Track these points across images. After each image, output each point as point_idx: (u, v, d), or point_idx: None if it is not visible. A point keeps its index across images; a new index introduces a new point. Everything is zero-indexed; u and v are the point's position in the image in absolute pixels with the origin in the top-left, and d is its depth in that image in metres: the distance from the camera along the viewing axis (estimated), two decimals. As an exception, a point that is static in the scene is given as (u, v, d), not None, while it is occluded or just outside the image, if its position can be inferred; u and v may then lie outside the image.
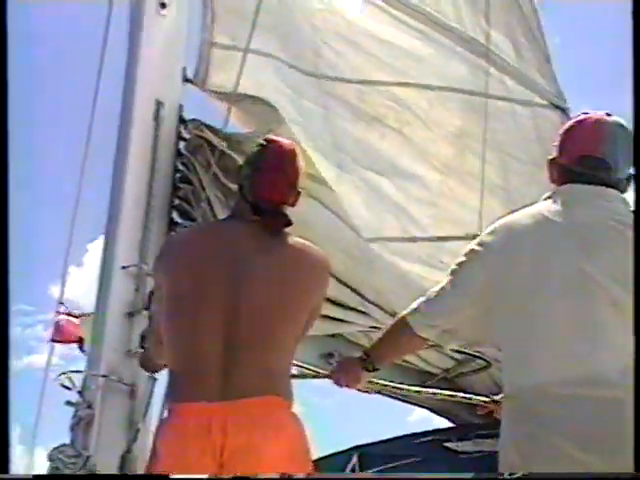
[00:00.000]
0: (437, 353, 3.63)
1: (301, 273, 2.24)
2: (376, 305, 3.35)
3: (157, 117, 2.94)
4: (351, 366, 2.54)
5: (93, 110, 3.10)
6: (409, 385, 3.31)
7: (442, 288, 2.29)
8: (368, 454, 6.95)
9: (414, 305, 2.35)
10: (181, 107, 3.10)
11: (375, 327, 3.36)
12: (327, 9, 3.85)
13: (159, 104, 2.95)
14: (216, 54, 3.24)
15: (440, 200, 3.97)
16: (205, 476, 1.98)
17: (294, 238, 2.32)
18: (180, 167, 3.02)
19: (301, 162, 2.37)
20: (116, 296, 2.71)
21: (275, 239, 2.25)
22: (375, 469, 6.83)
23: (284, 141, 2.41)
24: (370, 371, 2.49)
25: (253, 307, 2.12)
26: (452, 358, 3.76)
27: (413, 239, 3.82)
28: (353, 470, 6.88)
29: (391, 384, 3.12)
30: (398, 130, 3.94)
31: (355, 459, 6.81)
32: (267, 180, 2.30)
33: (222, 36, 3.26)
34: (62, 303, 3.76)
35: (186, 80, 3.17)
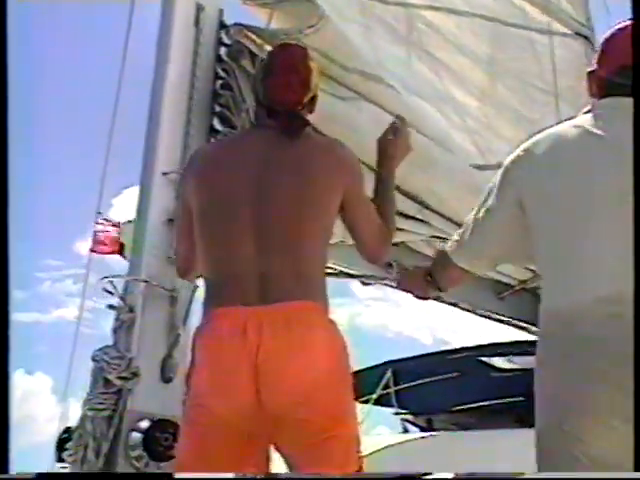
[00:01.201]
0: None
1: (320, 168, 2.23)
2: (437, 212, 3.32)
3: (197, 22, 2.88)
4: (416, 278, 2.59)
5: (130, 17, 3.04)
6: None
7: (476, 219, 2.27)
8: (402, 369, 7.07)
9: (455, 237, 2.37)
10: (221, 11, 3.03)
11: (437, 236, 3.33)
12: None
13: (199, 8, 2.89)
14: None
15: (480, 128, 3.95)
16: (210, 475, 1.98)
17: (315, 137, 2.34)
18: (221, 73, 2.97)
19: (313, 64, 2.38)
20: (156, 202, 2.71)
21: (294, 141, 2.24)
22: (409, 384, 6.94)
23: (295, 44, 2.49)
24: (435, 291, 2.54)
25: (279, 212, 2.14)
26: (529, 269, 3.70)
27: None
28: (387, 386, 6.99)
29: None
30: (433, 54, 3.89)
31: (389, 373, 6.93)
32: (278, 81, 2.32)
33: None
34: (100, 213, 3.77)
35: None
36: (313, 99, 2.36)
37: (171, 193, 2.73)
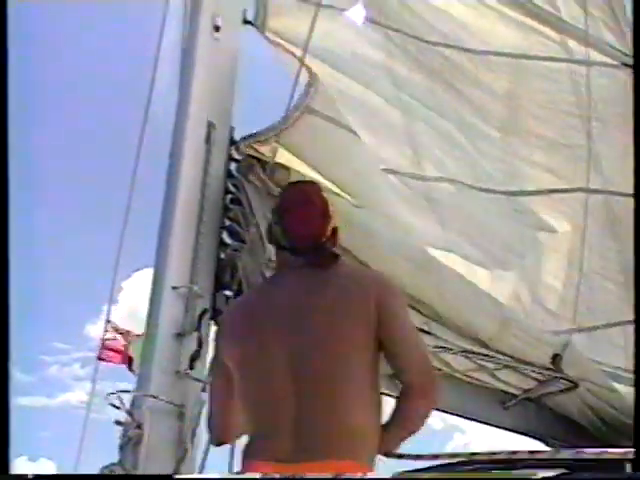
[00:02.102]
0: (516, 373, 3.56)
1: (354, 298, 2.18)
2: (442, 323, 3.32)
3: (209, 139, 2.97)
4: None
5: (142, 133, 3.14)
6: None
7: None
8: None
9: None
10: (232, 129, 3.12)
11: (443, 347, 3.32)
12: None
13: (211, 126, 2.98)
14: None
15: (506, 156, 4.10)
16: (210, 476, 1.95)
17: (346, 267, 2.33)
18: (231, 188, 3.04)
19: (325, 196, 2.41)
20: (166, 316, 2.72)
21: (325, 275, 2.23)
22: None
23: (304, 181, 2.58)
24: None
25: (313, 354, 2.09)
26: (533, 378, 3.66)
27: (487, 190, 3.96)
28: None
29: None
30: (453, 86, 4.04)
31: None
32: (296, 217, 2.33)
33: None
34: (109, 321, 3.79)
35: (246, 22, 3.21)
36: (334, 231, 2.37)
37: (181, 307, 2.75)
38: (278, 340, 2.12)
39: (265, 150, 3.01)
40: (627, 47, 4.61)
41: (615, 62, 4.60)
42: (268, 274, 2.72)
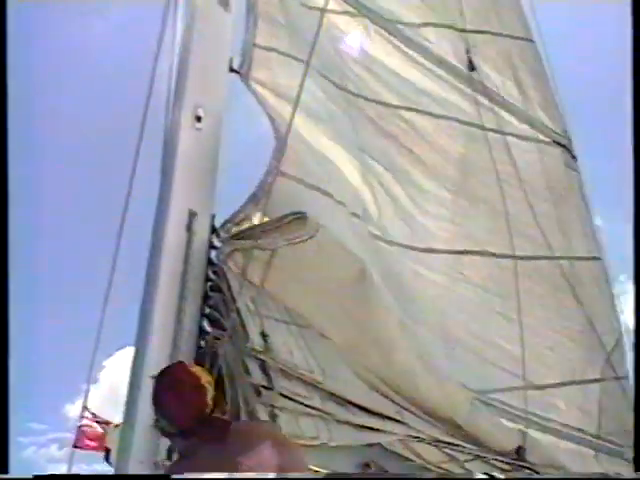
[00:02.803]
0: (484, 464, 3.54)
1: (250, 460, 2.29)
2: (413, 413, 3.30)
3: (190, 227, 2.99)
4: None
5: (123, 220, 3.16)
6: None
7: None
8: None
9: None
10: (213, 217, 3.15)
11: (413, 436, 3.30)
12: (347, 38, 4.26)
13: (192, 215, 3.01)
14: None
15: (455, 217, 4.34)
16: (208, 476, 1.94)
17: (240, 427, 2.50)
18: (211, 276, 3.05)
19: (197, 374, 2.49)
20: (145, 406, 2.69)
21: (223, 444, 2.35)
22: None
23: (173, 366, 2.57)
24: None
25: None
26: (499, 468, 3.62)
27: (432, 250, 4.15)
28: None
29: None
30: (410, 149, 4.31)
31: None
32: (167, 404, 2.44)
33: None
34: (87, 408, 3.74)
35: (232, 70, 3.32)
36: (217, 398, 2.47)
37: (160, 396, 2.71)
38: None
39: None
40: (560, 127, 5.07)
41: (548, 139, 4.99)
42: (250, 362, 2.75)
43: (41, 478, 2.24)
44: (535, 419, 4.01)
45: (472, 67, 4.79)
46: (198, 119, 3.14)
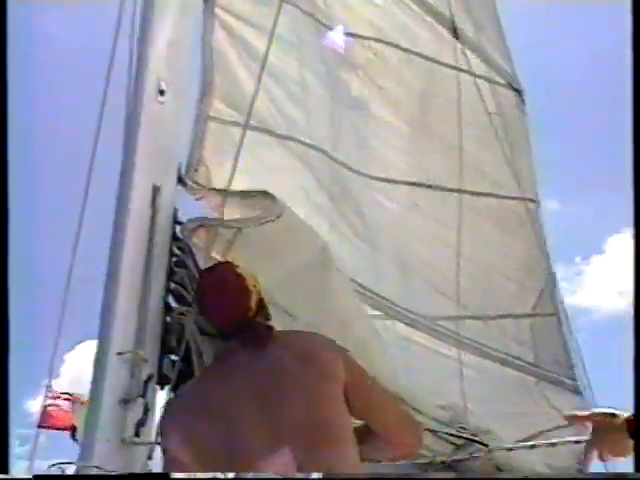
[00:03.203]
0: (433, 437, 3.59)
1: (301, 375, 2.23)
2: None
3: (154, 202, 2.95)
4: None
5: (85, 195, 3.12)
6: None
7: None
8: None
9: None
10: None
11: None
12: None
13: (156, 190, 2.97)
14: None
15: (412, 150, 4.55)
16: (206, 475, 1.95)
17: (286, 338, 2.39)
18: (176, 251, 3.02)
19: (244, 275, 2.49)
20: (111, 383, 2.67)
21: (264, 351, 2.29)
22: None
23: (221, 264, 2.61)
24: None
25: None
26: (450, 442, 3.70)
27: (389, 180, 4.38)
28: None
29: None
30: (374, 80, 4.46)
31: None
32: (212, 303, 2.45)
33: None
34: (50, 386, 3.70)
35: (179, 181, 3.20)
36: (261, 304, 2.40)
37: (126, 373, 2.69)
38: (229, 434, 2.16)
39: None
40: (511, 70, 5.30)
41: (503, 81, 5.22)
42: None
43: (41, 478, 2.23)
44: (478, 346, 4.32)
45: (455, 30, 4.93)
46: (161, 92, 3.09)
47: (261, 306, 2.46)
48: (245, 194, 3.17)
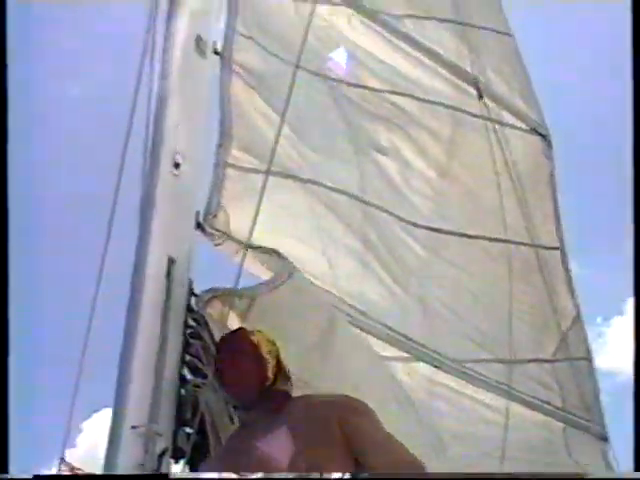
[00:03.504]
0: None
1: (313, 432, 2.26)
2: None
3: (169, 274, 2.97)
4: None
5: (102, 266, 3.14)
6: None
7: None
8: None
9: None
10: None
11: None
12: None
13: (171, 261, 2.99)
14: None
15: (436, 196, 4.58)
16: (206, 475, 1.93)
17: (304, 400, 2.35)
18: (191, 322, 3.02)
19: (260, 340, 2.54)
20: (125, 457, 2.65)
21: (284, 418, 2.33)
22: None
23: (234, 335, 2.62)
24: None
25: None
26: None
27: (415, 225, 4.41)
28: None
29: None
30: (401, 127, 4.55)
31: None
32: (229, 378, 2.50)
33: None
34: (63, 459, 3.67)
35: (198, 226, 3.26)
36: (279, 368, 2.42)
37: (140, 447, 2.67)
38: None
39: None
40: (538, 117, 5.28)
41: (527, 127, 5.19)
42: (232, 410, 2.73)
43: (41, 478, 2.22)
44: (506, 389, 4.28)
45: (480, 93, 4.95)
46: (176, 165, 3.14)
47: (279, 369, 2.46)
48: (258, 249, 3.21)
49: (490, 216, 4.72)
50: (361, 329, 3.85)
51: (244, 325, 3.00)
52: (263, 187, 3.08)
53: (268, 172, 3.16)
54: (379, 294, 4.09)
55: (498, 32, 5.39)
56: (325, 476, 2.10)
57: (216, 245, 3.36)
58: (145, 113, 3.22)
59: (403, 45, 4.77)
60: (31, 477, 2.09)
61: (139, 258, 2.97)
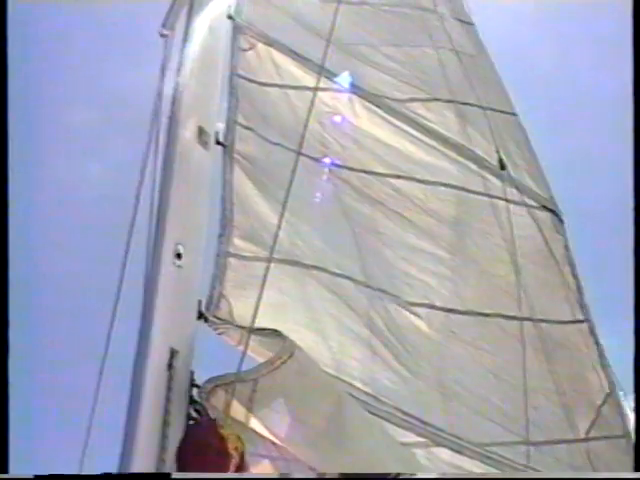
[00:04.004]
0: None
1: None
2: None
3: (170, 367, 2.96)
4: None
5: (104, 357, 3.15)
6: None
7: None
8: None
9: None
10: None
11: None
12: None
13: (173, 353, 2.99)
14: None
15: (451, 275, 4.53)
16: (208, 475, 1.89)
17: None
18: (193, 414, 3.00)
19: (225, 437, 2.53)
20: None
21: None
22: None
23: (202, 427, 2.65)
24: None
25: None
26: None
27: (431, 306, 4.36)
28: None
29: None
30: (399, 213, 4.53)
31: None
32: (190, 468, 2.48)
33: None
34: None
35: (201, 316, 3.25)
36: (241, 465, 2.41)
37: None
38: None
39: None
40: (546, 193, 5.29)
41: (536, 204, 5.17)
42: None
43: (41, 478, 2.18)
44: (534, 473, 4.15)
45: (502, 165, 5.07)
46: (178, 256, 3.16)
47: (241, 467, 2.44)
48: (260, 332, 3.20)
49: (505, 294, 4.69)
50: (376, 415, 3.77)
51: (252, 410, 2.98)
52: (265, 275, 3.09)
53: (270, 260, 3.17)
54: (389, 379, 4.03)
55: (502, 112, 5.48)
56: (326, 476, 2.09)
57: (219, 334, 3.35)
58: (149, 204, 3.27)
59: (406, 128, 4.86)
60: (31, 477, 2.07)
61: (141, 349, 2.97)
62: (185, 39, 3.72)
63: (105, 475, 2.41)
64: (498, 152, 5.09)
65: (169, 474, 2.23)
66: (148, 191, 3.32)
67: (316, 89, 3.88)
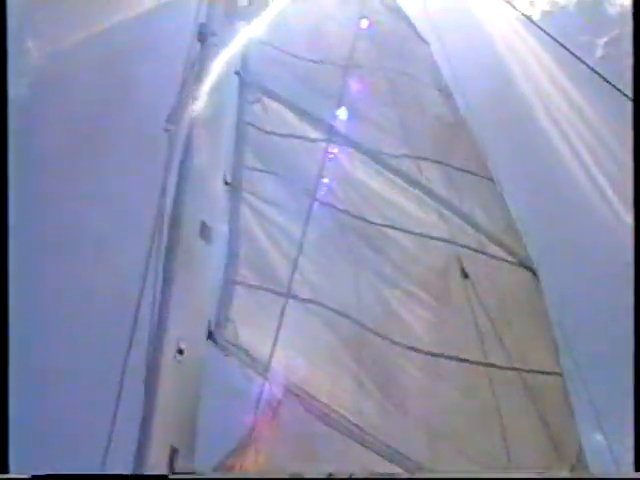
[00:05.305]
0: None
1: None
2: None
3: (171, 463, 2.94)
4: None
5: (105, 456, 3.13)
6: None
7: None
8: None
9: None
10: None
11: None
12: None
13: (174, 452, 2.97)
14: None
15: (437, 321, 4.71)
16: (207, 476, 1.84)
17: None
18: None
19: None
20: None
21: None
22: None
23: None
24: None
25: None
26: None
27: (416, 350, 4.49)
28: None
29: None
30: (394, 261, 4.80)
31: None
32: None
33: None
34: None
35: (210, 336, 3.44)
36: None
37: None
38: None
39: None
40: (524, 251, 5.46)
41: (514, 260, 5.37)
42: None
43: (41, 478, 2.14)
44: None
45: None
46: (180, 352, 3.17)
47: None
48: None
49: (487, 342, 4.84)
50: (360, 444, 3.96)
51: None
52: (282, 312, 3.42)
53: (288, 296, 3.56)
54: (376, 412, 4.18)
55: (481, 176, 5.74)
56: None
57: (226, 356, 3.55)
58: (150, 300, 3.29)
59: (399, 182, 5.14)
60: (31, 477, 2.04)
61: (141, 448, 2.96)
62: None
63: (105, 475, 2.40)
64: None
65: (167, 475, 2.22)
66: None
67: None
